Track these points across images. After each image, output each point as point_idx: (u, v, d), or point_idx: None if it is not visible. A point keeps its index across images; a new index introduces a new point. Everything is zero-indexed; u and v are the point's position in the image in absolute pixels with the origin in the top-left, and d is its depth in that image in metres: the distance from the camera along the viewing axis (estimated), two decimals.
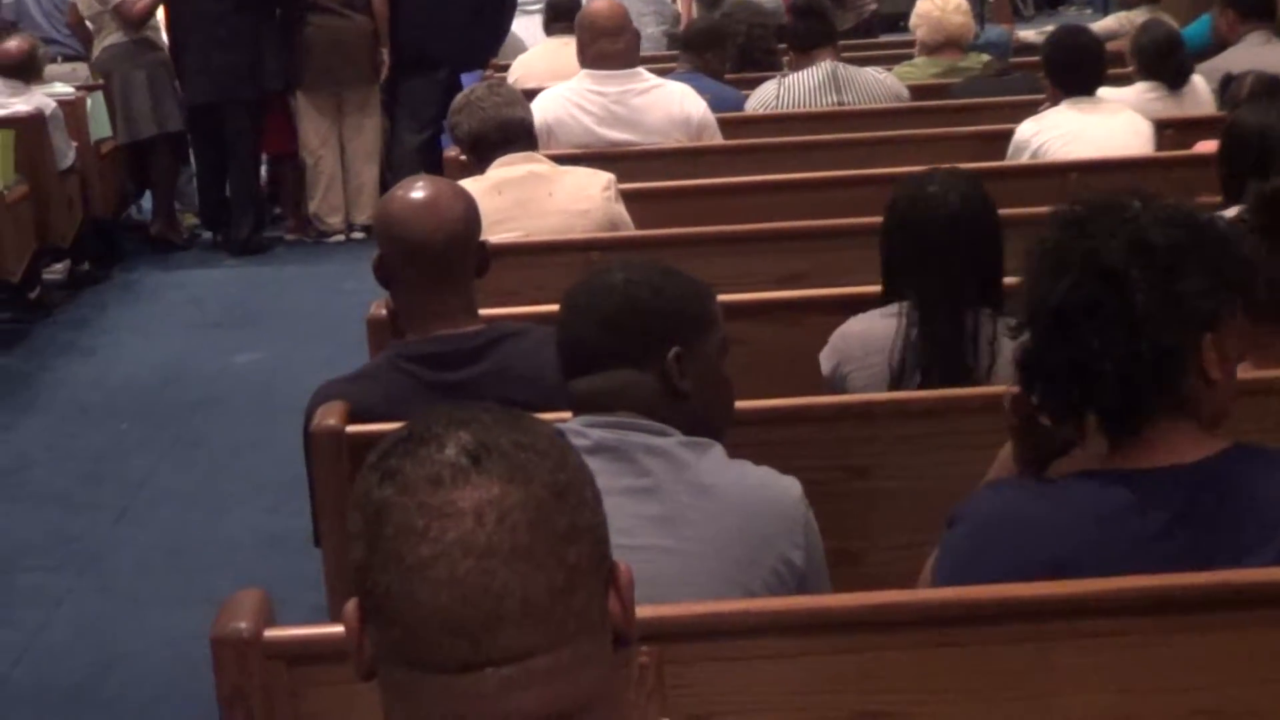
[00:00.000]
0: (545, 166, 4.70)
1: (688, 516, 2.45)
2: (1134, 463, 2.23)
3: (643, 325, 2.58)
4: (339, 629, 2.14)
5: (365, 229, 9.62)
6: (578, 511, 1.41)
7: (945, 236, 3.47)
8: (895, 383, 3.43)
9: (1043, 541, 2.23)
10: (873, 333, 3.53)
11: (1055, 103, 5.78)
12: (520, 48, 9.56)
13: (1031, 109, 5.94)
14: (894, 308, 3.52)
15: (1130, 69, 6.45)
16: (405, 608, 1.37)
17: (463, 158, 5.27)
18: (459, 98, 4.91)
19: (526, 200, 4.60)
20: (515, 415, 1.46)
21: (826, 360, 3.59)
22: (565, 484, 1.41)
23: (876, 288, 3.64)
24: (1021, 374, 2.33)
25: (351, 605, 1.45)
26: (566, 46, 7.31)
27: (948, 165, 3.71)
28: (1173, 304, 2.21)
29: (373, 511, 1.40)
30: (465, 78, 9.29)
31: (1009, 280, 3.57)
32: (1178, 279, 2.22)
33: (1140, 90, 6.25)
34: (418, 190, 3.25)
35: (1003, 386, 3.23)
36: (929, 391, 3.34)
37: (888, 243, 3.61)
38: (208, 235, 10.08)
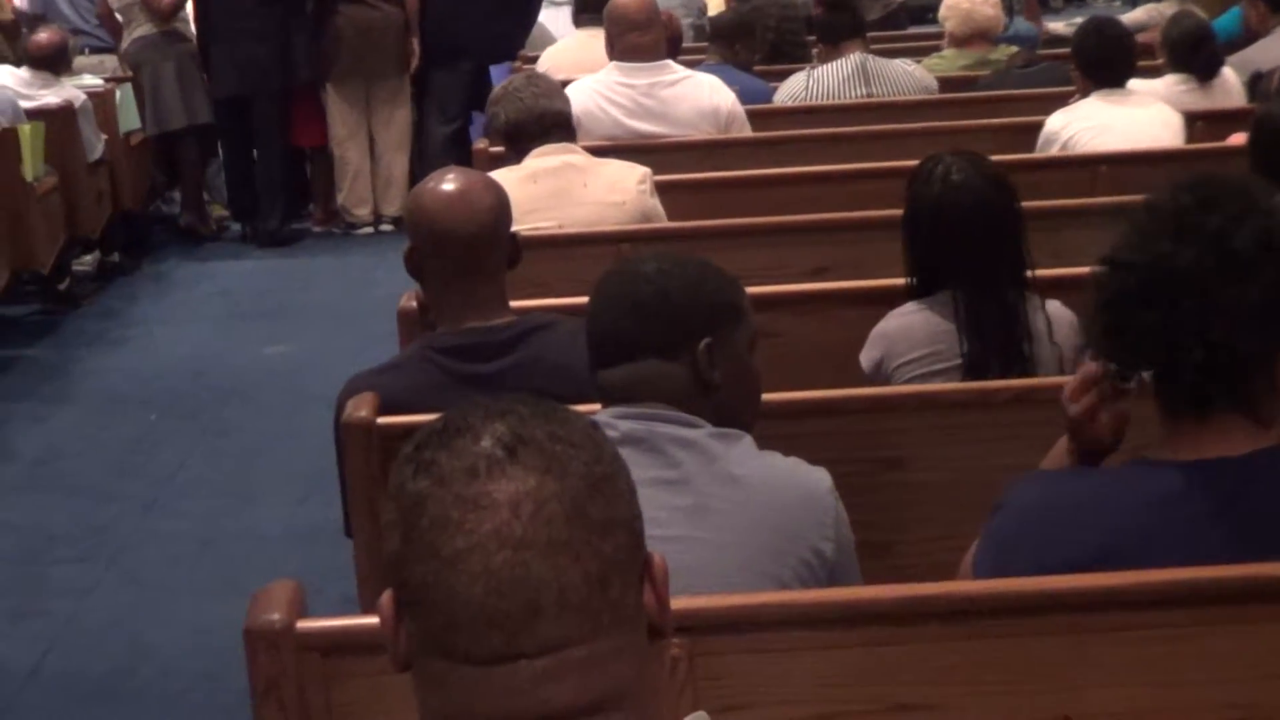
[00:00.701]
0: (581, 158, 4.70)
1: (717, 507, 2.45)
2: (1185, 454, 2.22)
3: (674, 315, 2.57)
4: (372, 620, 2.15)
5: (394, 221, 9.64)
6: (613, 504, 1.41)
7: (981, 223, 3.46)
8: (971, 373, 3.42)
9: (1088, 529, 2.22)
10: (913, 328, 3.52)
11: (1085, 95, 5.76)
12: (548, 39, 9.56)
13: (1061, 101, 5.93)
14: (934, 300, 3.51)
15: (1160, 61, 6.43)
16: (441, 599, 1.37)
17: (492, 149, 5.27)
18: (498, 89, 4.91)
19: (561, 190, 4.60)
20: (551, 407, 1.46)
21: (868, 356, 3.57)
22: (601, 476, 1.41)
23: (906, 280, 3.63)
24: (1105, 324, 2.27)
25: (387, 597, 1.45)
26: (595, 39, 7.29)
27: (953, 151, 3.68)
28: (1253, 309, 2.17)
29: (408, 503, 1.40)
30: (494, 70, 9.31)
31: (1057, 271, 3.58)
32: (1248, 286, 2.17)
33: (1170, 82, 6.23)
34: (449, 182, 3.25)
35: (1035, 380, 3.25)
36: (960, 384, 3.34)
37: (918, 236, 3.59)
38: (236, 227, 10.10)
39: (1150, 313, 2.20)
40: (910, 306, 3.56)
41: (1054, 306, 3.50)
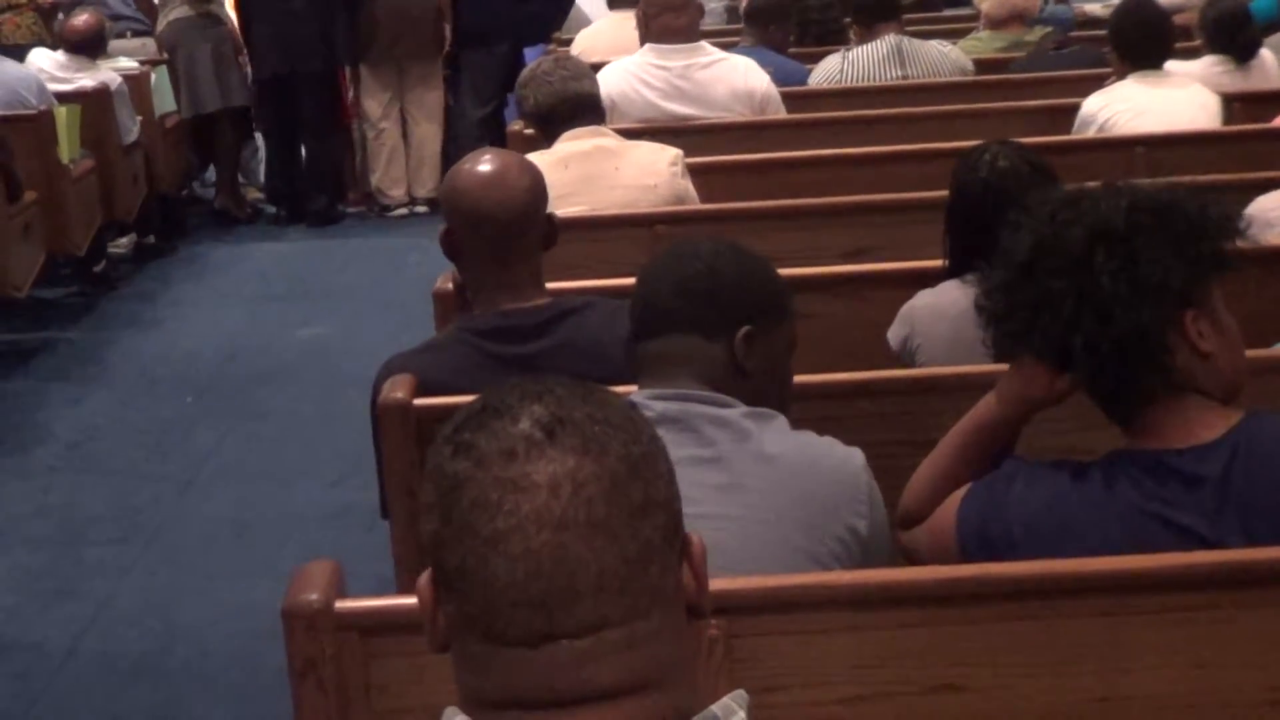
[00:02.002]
0: (613, 141, 4.69)
1: (751, 485, 2.45)
2: (1156, 442, 2.29)
3: (719, 295, 2.57)
4: (410, 600, 2.15)
5: (427, 202, 9.65)
6: (652, 484, 1.41)
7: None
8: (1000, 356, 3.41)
9: (1087, 540, 2.27)
10: (941, 302, 3.52)
11: (1121, 77, 5.73)
12: (584, 22, 9.55)
13: (1098, 83, 5.90)
14: (964, 280, 3.50)
15: (1198, 42, 6.40)
16: (479, 581, 1.37)
17: (527, 131, 5.27)
18: (526, 71, 4.90)
19: (593, 174, 4.60)
20: (589, 388, 1.45)
21: (895, 335, 3.58)
22: (639, 457, 1.41)
23: (942, 262, 3.62)
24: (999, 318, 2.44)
25: (425, 578, 1.45)
26: (629, 21, 7.28)
27: (999, 139, 3.69)
28: (1138, 285, 2.26)
29: (447, 485, 1.40)
30: (528, 52, 9.31)
31: None
32: (1140, 261, 2.28)
33: (1208, 64, 6.20)
34: (484, 163, 3.25)
35: None
36: (995, 365, 3.32)
37: (962, 220, 3.59)
38: (271, 209, 10.13)
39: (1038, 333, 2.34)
40: (941, 286, 3.56)
41: None
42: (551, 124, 4.67)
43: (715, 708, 1.40)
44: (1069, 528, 2.29)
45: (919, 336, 3.53)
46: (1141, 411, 2.32)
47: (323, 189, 9.79)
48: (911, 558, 2.56)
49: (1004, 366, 3.27)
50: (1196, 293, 2.31)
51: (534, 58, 8.01)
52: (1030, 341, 2.38)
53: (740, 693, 1.42)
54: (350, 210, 10.03)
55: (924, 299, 3.58)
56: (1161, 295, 2.28)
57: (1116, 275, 2.28)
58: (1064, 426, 2.75)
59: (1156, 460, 2.27)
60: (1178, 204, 2.35)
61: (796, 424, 2.57)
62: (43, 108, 7.84)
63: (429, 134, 9.85)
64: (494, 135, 9.10)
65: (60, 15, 9.48)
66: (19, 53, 8.65)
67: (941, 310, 3.52)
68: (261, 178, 10.37)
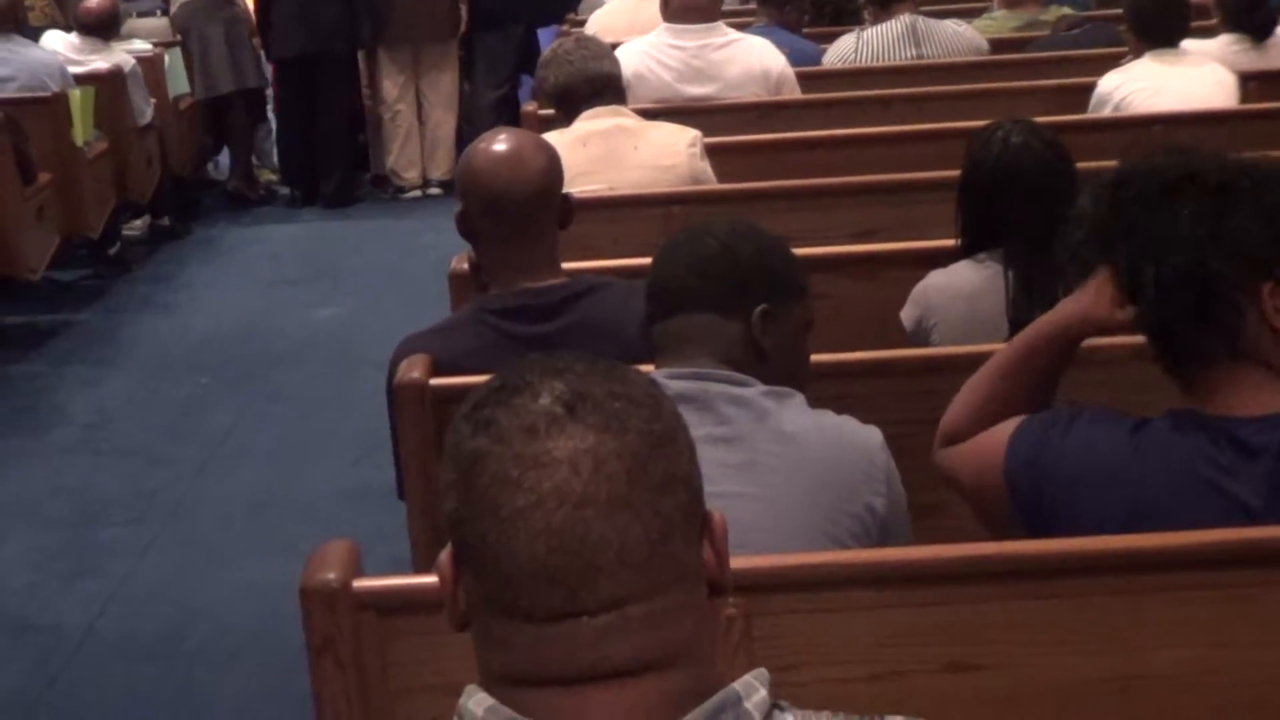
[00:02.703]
0: (631, 120, 4.68)
1: (769, 463, 2.45)
2: (1221, 408, 2.25)
3: (735, 273, 2.58)
4: (427, 579, 2.17)
5: (441, 184, 9.66)
6: (673, 461, 1.41)
7: (1039, 186, 3.46)
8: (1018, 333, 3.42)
9: (1136, 491, 2.24)
10: (955, 282, 3.52)
11: (1138, 55, 5.72)
12: (596, 2, 9.53)
13: (1114, 62, 5.89)
14: (977, 259, 3.51)
15: (1214, 21, 6.38)
16: (501, 558, 1.37)
17: (542, 112, 5.27)
18: (547, 51, 4.90)
19: (611, 154, 4.59)
20: (609, 365, 1.45)
21: (908, 316, 3.58)
22: (660, 433, 1.41)
23: (955, 241, 3.62)
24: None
25: (445, 555, 1.45)
26: (644, 1, 7.28)
27: (1014, 117, 3.68)
28: (1219, 236, 2.23)
29: (467, 462, 1.40)
30: (542, 33, 9.30)
31: None
32: (1227, 214, 2.25)
33: (1224, 42, 6.18)
34: (500, 143, 3.25)
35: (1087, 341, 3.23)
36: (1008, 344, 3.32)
37: (974, 197, 3.59)
38: (284, 191, 10.13)
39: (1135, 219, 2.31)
40: (954, 266, 3.56)
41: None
42: (571, 104, 4.66)
43: (737, 685, 1.40)
44: (1120, 475, 2.26)
45: (934, 316, 3.53)
46: (1202, 374, 2.28)
47: (336, 170, 9.79)
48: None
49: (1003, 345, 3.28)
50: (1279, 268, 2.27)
51: (548, 39, 8.01)
52: (1106, 257, 2.36)
53: (761, 671, 1.42)
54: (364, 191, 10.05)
55: (937, 279, 3.58)
56: (1240, 254, 2.24)
57: (1199, 218, 2.25)
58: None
59: (1221, 425, 2.24)
60: (1277, 177, 2.32)
61: (813, 403, 2.57)
62: (60, 90, 7.85)
63: (444, 116, 9.85)
64: (508, 117, 9.08)
65: None
66: (33, 35, 8.66)
67: (955, 290, 3.52)
68: (275, 159, 10.38)
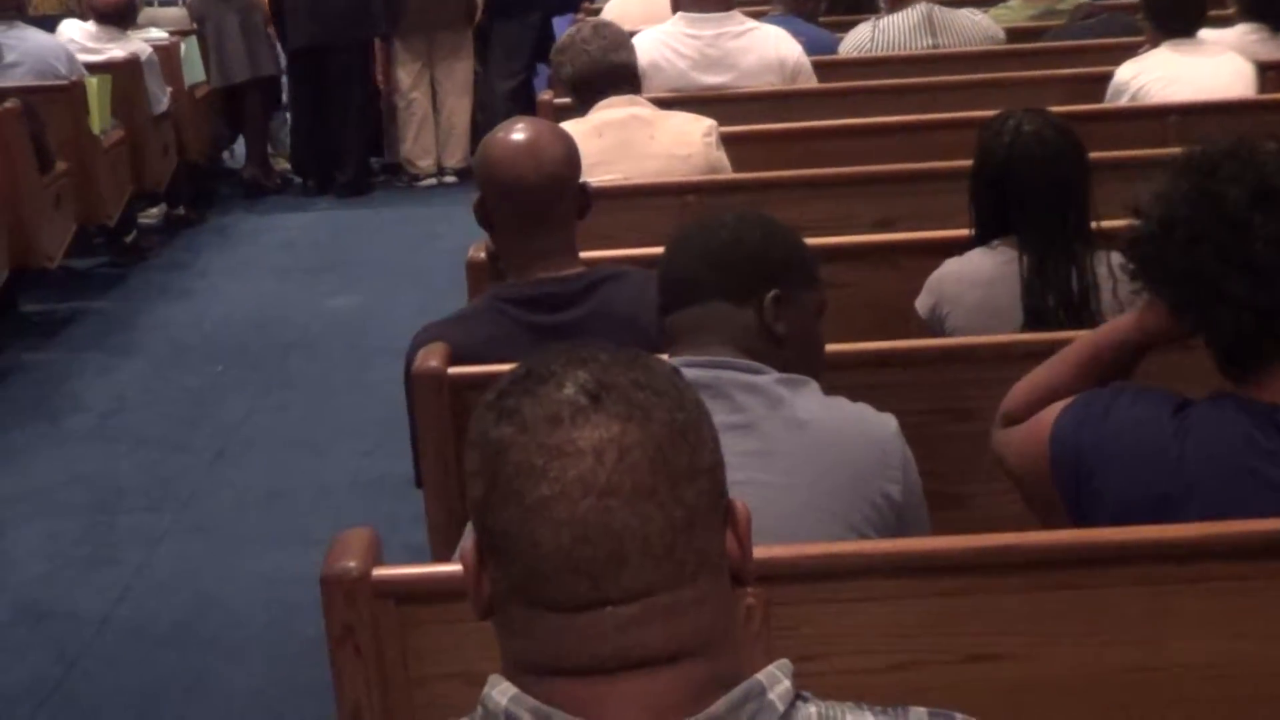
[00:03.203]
0: (647, 110, 4.68)
1: (784, 450, 2.44)
2: (1271, 396, 2.25)
3: (745, 261, 2.58)
4: (447, 568, 2.17)
5: (456, 172, 9.66)
6: (697, 450, 1.41)
7: (1052, 173, 3.46)
8: (1034, 322, 3.41)
9: (1168, 476, 2.24)
10: (968, 270, 3.52)
11: (1154, 45, 5.70)
12: None
13: (1130, 51, 5.87)
14: (991, 248, 3.51)
15: (1231, 10, 6.36)
16: (525, 547, 1.37)
17: (558, 101, 5.26)
18: (565, 38, 4.87)
19: (627, 143, 4.58)
20: (633, 354, 1.45)
21: (923, 304, 3.58)
22: (684, 423, 1.41)
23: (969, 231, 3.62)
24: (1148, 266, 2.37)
25: (469, 544, 1.45)
26: None
27: (1025, 107, 3.67)
28: None
29: (492, 451, 1.40)
30: (557, 21, 9.30)
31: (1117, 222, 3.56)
32: None
33: (1242, 32, 6.15)
34: (518, 132, 3.25)
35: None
36: (1031, 334, 3.32)
37: (986, 186, 3.59)
38: (299, 180, 10.14)
39: (1192, 254, 2.26)
40: (968, 254, 3.56)
41: (1117, 259, 3.47)
42: (587, 93, 4.65)
43: (760, 676, 1.40)
44: (1159, 455, 2.25)
45: (947, 304, 3.53)
46: (1259, 369, 2.27)
47: (351, 159, 9.80)
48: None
49: (1033, 335, 3.28)
50: None
51: (564, 27, 7.99)
52: (1171, 293, 2.33)
53: (784, 661, 1.42)
54: (378, 180, 10.05)
55: (951, 267, 3.58)
56: None
57: (1275, 242, 2.22)
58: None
59: (1272, 412, 2.23)
60: None
61: (830, 392, 2.57)
62: (74, 78, 7.86)
63: (459, 105, 9.85)
64: (523, 106, 9.09)
65: None
66: (48, 24, 8.68)
67: (969, 278, 3.51)
68: (288, 148, 10.39)
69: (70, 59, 7.99)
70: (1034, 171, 3.48)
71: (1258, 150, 2.30)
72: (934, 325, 3.55)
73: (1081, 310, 3.40)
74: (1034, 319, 3.42)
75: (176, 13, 10.24)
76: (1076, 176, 3.50)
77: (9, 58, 7.83)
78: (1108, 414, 2.33)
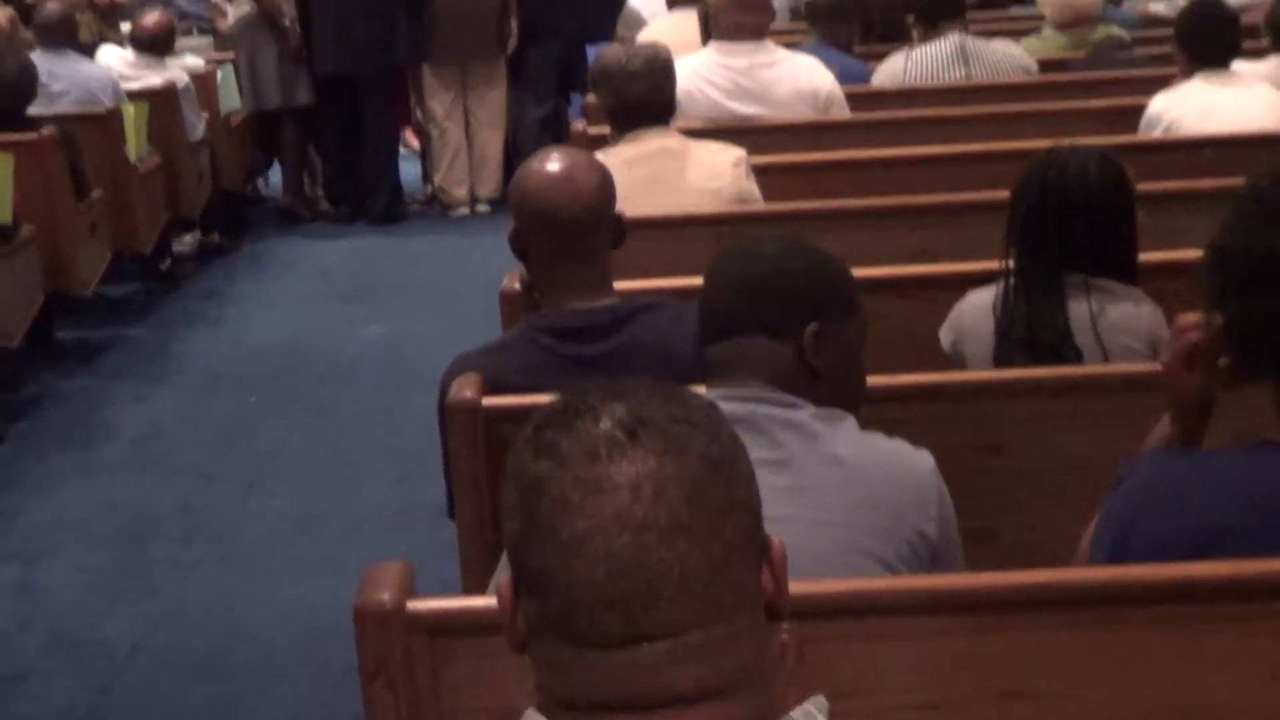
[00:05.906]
0: (676, 141, 4.67)
1: (820, 486, 2.43)
2: None
3: (785, 294, 2.56)
4: (481, 601, 2.17)
5: (489, 201, 9.67)
6: (733, 486, 1.41)
7: (1095, 214, 3.45)
8: (998, 351, 3.40)
9: (1201, 509, 2.20)
10: (986, 300, 3.51)
11: (1187, 76, 5.69)
12: (638, 21, 9.53)
13: (1164, 83, 5.86)
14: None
15: (1265, 42, 6.34)
16: (561, 582, 1.37)
17: (591, 130, 5.26)
18: (610, 57, 4.79)
19: (658, 176, 4.58)
20: (669, 388, 1.45)
21: (945, 336, 3.58)
22: (720, 458, 1.41)
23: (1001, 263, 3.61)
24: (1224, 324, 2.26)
25: (505, 579, 1.45)
26: (691, 20, 7.29)
27: (1074, 144, 3.66)
28: None
29: (528, 485, 1.40)
30: (589, 50, 9.31)
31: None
32: None
33: (1275, 64, 6.13)
34: (553, 162, 3.26)
35: (1143, 366, 3.22)
36: (1067, 369, 3.31)
37: (1018, 218, 3.58)
38: (333, 207, 10.16)
39: (1261, 304, 2.19)
40: (990, 285, 3.55)
41: (1125, 310, 3.44)
42: (625, 121, 4.65)
43: (796, 714, 1.39)
44: (1183, 503, 2.21)
45: (965, 334, 3.53)
46: None
47: (382, 188, 9.82)
48: None
49: (1065, 370, 3.26)
50: None
51: (595, 55, 8.01)
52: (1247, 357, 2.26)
53: (820, 698, 1.42)
54: (412, 209, 10.07)
55: (971, 298, 3.58)
56: None
57: None
58: None
59: None
60: None
61: (866, 426, 2.56)
62: (114, 106, 7.90)
63: (491, 134, 9.87)
64: (554, 134, 9.11)
65: (122, 13, 9.57)
66: (83, 51, 8.71)
67: (986, 308, 3.50)
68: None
69: (116, 89, 8.05)
70: (1068, 211, 3.46)
71: None
72: (956, 358, 3.54)
73: (1047, 353, 3.38)
74: (1005, 341, 3.41)
75: (208, 41, 10.31)
76: (1121, 215, 3.49)
77: (56, 86, 7.88)
78: (1121, 488, 2.28)
